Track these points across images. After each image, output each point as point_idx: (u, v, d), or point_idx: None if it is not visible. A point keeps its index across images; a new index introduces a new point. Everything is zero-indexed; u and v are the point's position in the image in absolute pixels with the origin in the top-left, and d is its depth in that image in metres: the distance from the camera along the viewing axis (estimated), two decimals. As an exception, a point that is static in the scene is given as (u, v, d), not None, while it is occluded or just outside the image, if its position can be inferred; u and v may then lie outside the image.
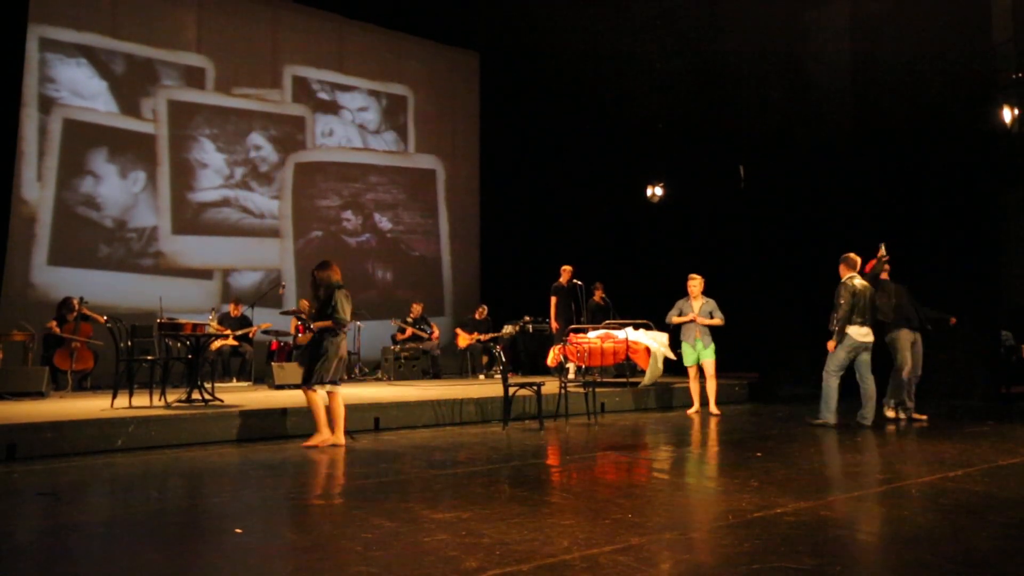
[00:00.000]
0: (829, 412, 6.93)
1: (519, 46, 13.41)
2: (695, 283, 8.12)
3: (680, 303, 8.16)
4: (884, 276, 7.48)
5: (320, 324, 5.66)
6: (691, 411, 8.13)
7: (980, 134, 9.39)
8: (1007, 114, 9.19)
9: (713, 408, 8.08)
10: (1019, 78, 9.56)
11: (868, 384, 7.05)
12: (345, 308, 5.68)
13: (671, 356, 9.02)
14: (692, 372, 8.20)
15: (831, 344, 7.02)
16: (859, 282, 7.03)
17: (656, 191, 12.67)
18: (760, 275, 11.04)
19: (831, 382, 6.99)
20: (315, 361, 5.61)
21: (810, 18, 10.95)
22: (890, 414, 7.49)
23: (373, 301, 11.92)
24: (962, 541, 2.96)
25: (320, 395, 5.62)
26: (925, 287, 9.76)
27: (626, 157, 13.08)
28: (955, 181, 9.46)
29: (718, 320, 7.99)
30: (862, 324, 6.95)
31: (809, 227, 10.83)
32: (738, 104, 11.44)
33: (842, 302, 6.94)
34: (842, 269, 7.14)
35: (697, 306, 8.06)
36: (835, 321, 6.95)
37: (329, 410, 5.61)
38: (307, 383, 5.60)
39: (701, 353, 8.03)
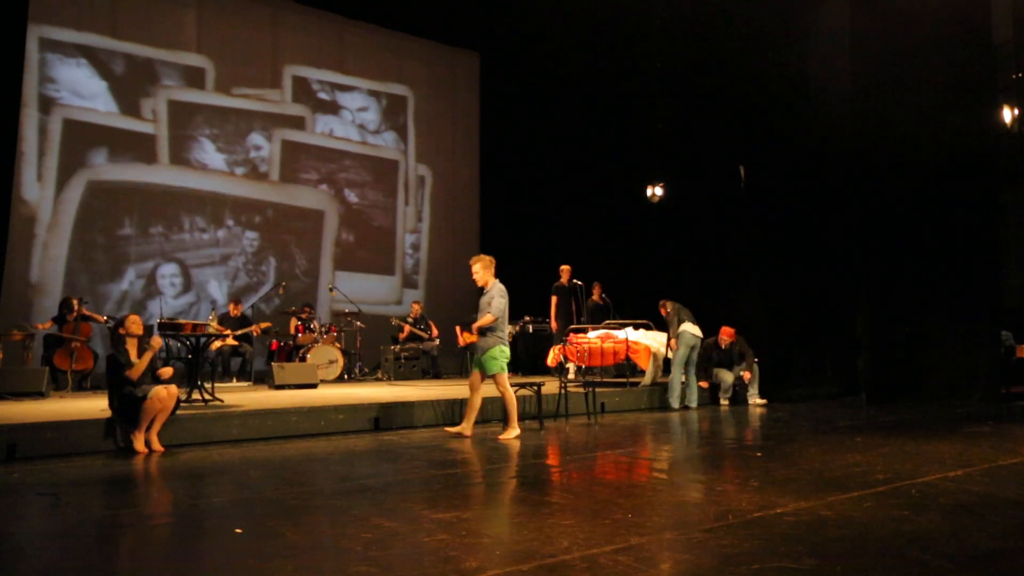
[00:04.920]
0: (673, 398, 8.50)
1: (519, 47, 13.40)
2: (475, 267, 6.18)
3: None
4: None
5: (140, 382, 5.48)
6: (454, 429, 6.22)
7: (980, 134, 9.38)
8: (1007, 114, 9.19)
9: (508, 433, 6.07)
10: (1019, 78, 9.56)
11: (693, 377, 8.66)
12: (139, 367, 5.48)
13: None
14: (474, 380, 6.23)
15: (673, 342, 8.59)
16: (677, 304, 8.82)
17: (656, 191, 12.66)
18: (760, 275, 11.03)
19: (675, 375, 8.54)
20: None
21: (810, 18, 10.94)
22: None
23: (337, 256, 12.73)
24: (962, 541, 2.96)
25: None
26: (925, 286, 9.78)
27: (626, 157, 13.07)
28: (955, 181, 9.45)
29: (484, 317, 6.01)
30: (693, 323, 8.60)
31: (809, 227, 10.82)
32: (738, 104, 11.43)
33: (669, 310, 8.70)
34: (663, 311, 8.84)
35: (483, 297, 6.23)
36: (671, 331, 8.64)
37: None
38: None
39: (477, 360, 6.20)
